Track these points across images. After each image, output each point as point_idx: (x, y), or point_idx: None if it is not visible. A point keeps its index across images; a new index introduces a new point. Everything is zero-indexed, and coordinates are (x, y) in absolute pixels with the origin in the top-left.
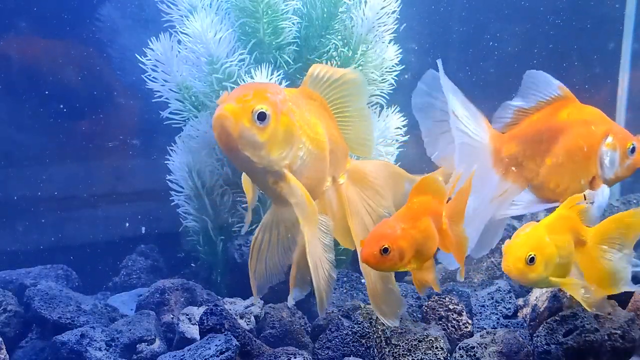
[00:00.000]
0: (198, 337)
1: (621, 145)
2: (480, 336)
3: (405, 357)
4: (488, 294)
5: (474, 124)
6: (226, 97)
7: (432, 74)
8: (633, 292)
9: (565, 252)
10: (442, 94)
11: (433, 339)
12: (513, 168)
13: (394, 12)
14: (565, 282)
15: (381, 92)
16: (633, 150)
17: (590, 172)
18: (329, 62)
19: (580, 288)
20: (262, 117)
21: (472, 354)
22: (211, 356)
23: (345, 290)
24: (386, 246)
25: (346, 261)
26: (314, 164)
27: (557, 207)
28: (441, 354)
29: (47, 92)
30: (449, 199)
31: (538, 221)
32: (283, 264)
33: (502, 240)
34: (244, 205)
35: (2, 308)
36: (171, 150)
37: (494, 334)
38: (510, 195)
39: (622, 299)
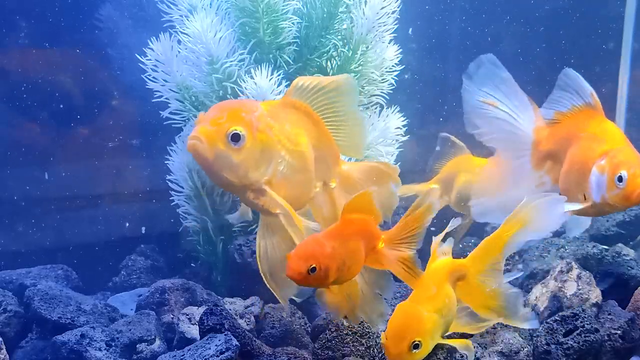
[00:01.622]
0: (198, 337)
1: (610, 171)
2: (480, 336)
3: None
4: None
5: (521, 113)
6: (202, 117)
7: (489, 58)
8: (633, 292)
9: (447, 307)
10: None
11: None
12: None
13: (394, 12)
14: (454, 343)
15: (381, 92)
16: (620, 179)
17: (583, 188)
18: (328, 62)
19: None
20: (236, 138)
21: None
22: (211, 356)
23: None
24: (314, 266)
25: None
26: (296, 176)
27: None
28: (441, 353)
29: (46, 93)
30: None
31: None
32: None
33: None
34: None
35: (2, 308)
36: (171, 150)
37: (494, 334)
38: (544, 186)
39: (622, 299)
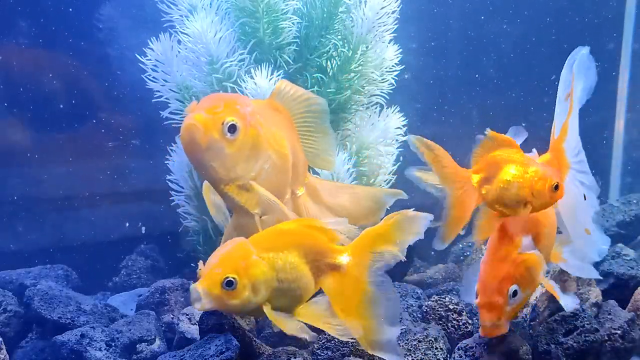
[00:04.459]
0: (198, 337)
1: None
2: (480, 336)
3: (405, 357)
4: None
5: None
6: (195, 106)
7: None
8: (633, 292)
9: (290, 275)
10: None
11: (433, 339)
12: None
13: (394, 12)
14: (301, 314)
15: (381, 92)
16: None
17: None
18: (328, 62)
19: (328, 321)
20: (232, 129)
21: (471, 354)
22: (211, 356)
23: None
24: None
25: None
26: (278, 176)
27: None
28: (441, 354)
29: (46, 93)
30: None
31: None
32: None
33: None
34: None
35: (2, 308)
36: (171, 150)
37: None
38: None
39: (622, 299)
